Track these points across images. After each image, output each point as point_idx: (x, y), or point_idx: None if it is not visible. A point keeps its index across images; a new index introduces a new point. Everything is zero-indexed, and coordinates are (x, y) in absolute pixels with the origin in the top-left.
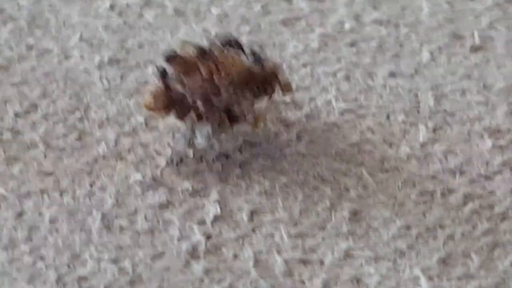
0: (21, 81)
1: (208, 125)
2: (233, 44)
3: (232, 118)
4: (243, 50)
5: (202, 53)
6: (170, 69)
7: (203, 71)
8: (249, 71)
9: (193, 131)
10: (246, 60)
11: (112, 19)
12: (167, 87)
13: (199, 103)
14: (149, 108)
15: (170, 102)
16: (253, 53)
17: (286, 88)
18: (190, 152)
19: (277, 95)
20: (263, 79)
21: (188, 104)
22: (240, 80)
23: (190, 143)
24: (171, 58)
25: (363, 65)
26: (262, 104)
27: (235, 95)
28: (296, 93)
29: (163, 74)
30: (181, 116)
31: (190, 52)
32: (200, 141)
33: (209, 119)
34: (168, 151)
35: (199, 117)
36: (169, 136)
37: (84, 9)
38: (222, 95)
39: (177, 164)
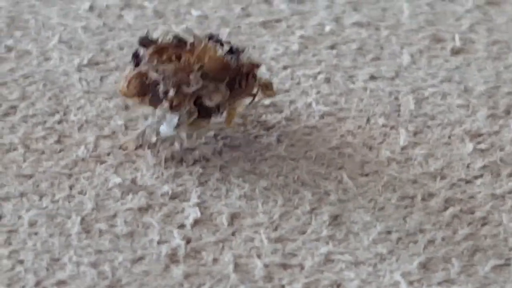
0: (0, 83)
1: (176, 115)
2: (213, 38)
3: (203, 111)
4: (221, 45)
5: (180, 42)
6: (145, 55)
7: (177, 58)
8: (224, 64)
9: (161, 119)
10: (222, 53)
11: (92, 20)
12: (140, 71)
13: (171, 91)
14: (123, 93)
15: (144, 88)
16: (231, 48)
17: (266, 88)
18: (154, 138)
19: (258, 96)
20: (238, 74)
21: (161, 91)
22: (214, 72)
23: (156, 131)
24: (146, 42)
25: (344, 68)
26: (242, 103)
27: (208, 87)
28: (276, 96)
29: (135, 56)
30: (154, 103)
31: (168, 40)
32: (165, 129)
33: (179, 108)
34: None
35: (172, 106)
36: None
37: (63, 10)
38: (192, 83)
39: (140, 146)
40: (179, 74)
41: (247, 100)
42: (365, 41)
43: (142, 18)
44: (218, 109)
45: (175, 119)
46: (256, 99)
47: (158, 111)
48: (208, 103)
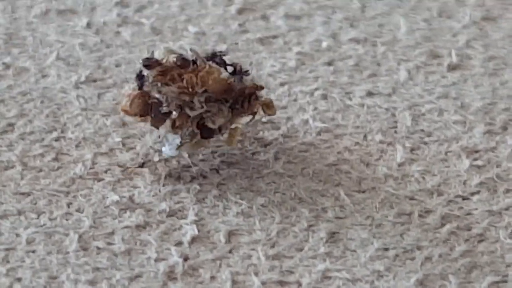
0: None
1: (179, 136)
2: (217, 59)
3: (205, 132)
4: (225, 66)
5: (183, 62)
6: (149, 75)
7: (181, 81)
8: (228, 86)
9: (164, 139)
10: (226, 75)
11: (89, 37)
12: (143, 91)
13: (174, 113)
14: (125, 111)
15: (146, 107)
16: (235, 70)
17: (267, 107)
18: (157, 158)
19: (258, 115)
20: (241, 96)
21: (164, 112)
22: (217, 94)
23: (159, 150)
24: (150, 64)
25: (340, 84)
26: (242, 121)
27: (210, 109)
28: None
29: (139, 76)
30: (156, 123)
31: (171, 60)
32: (166, 150)
33: (181, 129)
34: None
35: (174, 126)
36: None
37: (61, 28)
38: (196, 107)
39: (140, 166)
40: (183, 96)
41: (247, 118)
42: (362, 57)
43: (140, 35)
44: (219, 129)
45: (177, 139)
46: (256, 117)
47: (160, 131)
48: (211, 125)
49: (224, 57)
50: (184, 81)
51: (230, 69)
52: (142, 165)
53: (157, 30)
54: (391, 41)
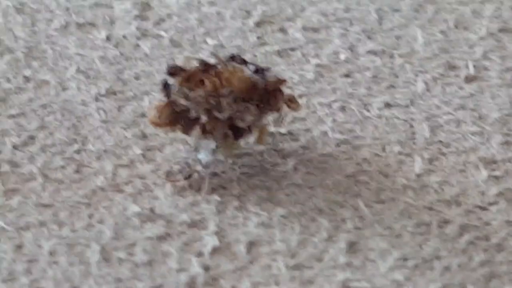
0: (18, 113)
1: (212, 140)
2: (237, 59)
3: (237, 132)
4: (246, 65)
5: (206, 67)
6: (173, 83)
7: (206, 84)
8: (252, 85)
9: (198, 146)
10: (249, 74)
11: (109, 50)
12: (170, 99)
13: (203, 117)
14: (155, 123)
15: (175, 116)
16: (256, 68)
17: (290, 102)
18: (198, 166)
19: (283, 111)
20: (266, 92)
21: (193, 118)
22: (243, 93)
23: (197, 159)
24: (174, 71)
25: (359, 96)
26: (268, 118)
27: (239, 109)
28: (292, 124)
29: (165, 86)
30: (187, 130)
31: (193, 66)
32: (203, 156)
33: (213, 133)
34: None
35: (204, 131)
36: (167, 167)
37: (80, 41)
38: (225, 108)
39: (187, 178)
40: (210, 99)
41: (272, 116)
42: (380, 69)
43: (159, 48)
44: (249, 128)
45: (211, 144)
46: (282, 114)
47: (193, 139)
48: (241, 124)
49: (242, 57)
50: (210, 84)
51: (252, 67)
52: (189, 177)
53: (176, 42)
54: (408, 53)
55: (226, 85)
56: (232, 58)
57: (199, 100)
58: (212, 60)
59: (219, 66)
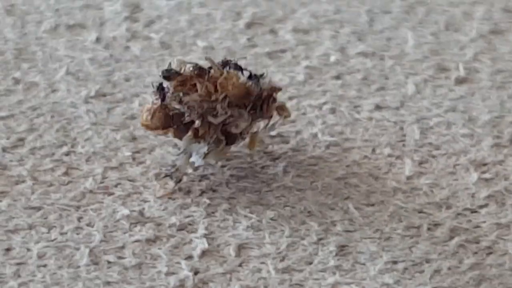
0: (8, 115)
1: (205, 145)
2: (232, 65)
3: (229, 138)
4: (241, 70)
5: (200, 71)
6: (168, 87)
7: (201, 89)
8: (247, 91)
9: (189, 150)
10: (244, 80)
11: (98, 52)
12: (164, 103)
13: (197, 122)
14: (146, 126)
15: (168, 120)
16: (251, 74)
17: (282, 109)
18: (188, 170)
19: (273, 119)
20: (259, 99)
21: (186, 122)
22: (237, 98)
23: (188, 162)
24: (169, 75)
25: (349, 98)
26: (259, 125)
27: (233, 115)
28: (282, 126)
29: (160, 89)
30: (179, 134)
31: (188, 70)
32: (194, 160)
33: (205, 138)
34: (156, 184)
35: (196, 135)
36: (155, 170)
37: (70, 42)
38: (219, 114)
39: (177, 182)
40: (204, 104)
41: (263, 122)
42: (370, 71)
43: (149, 50)
44: (240, 134)
45: (203, 148)
46: (272, 121)
47: (184, 143)
48: (234, 130)
49: (236, 62)
50: (204, 89)
51: (246, 73)
52: (179, 181)
53: (166, 44)
54: (398, 55)
55: (221, 91)
56: (227, 63)
57: (193, 104)
58: (206, 64)
59: (213, 70)
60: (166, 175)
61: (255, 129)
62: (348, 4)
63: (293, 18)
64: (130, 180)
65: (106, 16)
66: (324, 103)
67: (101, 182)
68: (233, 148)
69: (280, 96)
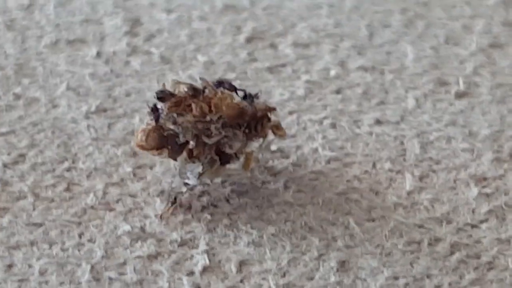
0: (8, 131)
1: (199, 165)
2: (226, 85)
3: (223, 158)
4: (236, 91)
5: (195, 92)
6: (162, 108)
7: (195, 110)
8: (241, 112)
9: (184, 170)
10: (238, 100)
11: (99, 67)
12: (158, 124)
13: (191, 142)
14: (141, 147)
15: (162, 140)
16: (245, 94)
17: (277, 129)
18: (184, 189)
19: (267, 139)
20: (254, 120)
21: (180, 143)
22: (232, 120)
23: (183, 182)
24: (163, 96)
25: (349, 113)
26: (254, 145)
27: (227, 135)
28: (283, 141)
29: (154, 110)
30: (173, 155)
31: (183, 91)
32: (191, 180)
33: (200, 158)
34: (157, 200)
35: (191, 156)
36: (156, 186)
37: (70, 57)
38: (213, 134)
39: (172, 204)
40: (199, 125)
41: (257, 142)
42: (370, 85)
43: (149, 64)
44: (235, 154)
45: (197, 168)
46: (266, 141)
47: (178, 163)
48: (229, 150)
49: (231, 83)
50: (198, 109)
51: (240, 93)
52: (175, 201)
53: (167, 59)
54: (398, 69)
55: (215, 111)
56: (221, 83)
57: (187, 125)
58: (201, 85)
59: (207, 91)
60: (164, 197)
61: (250, 149)
62: (348, 18)
63: (293, 32)
64: (131, 196)
65: (107, 31)
66: (325, 118)
67: (102, 198)
68: (231, 165)
69: (281, 111)
